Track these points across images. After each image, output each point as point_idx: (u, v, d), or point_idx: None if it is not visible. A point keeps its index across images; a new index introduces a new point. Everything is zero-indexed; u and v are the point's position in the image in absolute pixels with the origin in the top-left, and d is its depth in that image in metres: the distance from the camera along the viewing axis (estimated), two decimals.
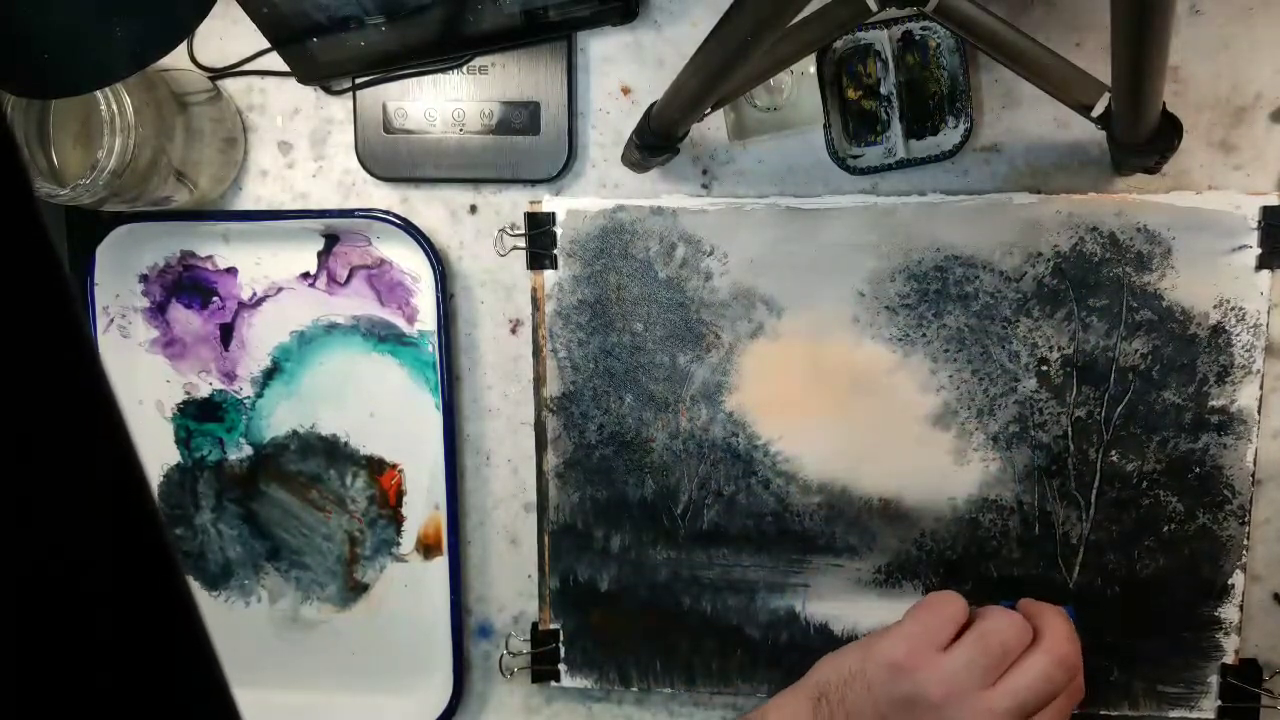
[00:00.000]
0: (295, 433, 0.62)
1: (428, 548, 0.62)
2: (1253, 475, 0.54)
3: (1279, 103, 0.53)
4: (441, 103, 0.58)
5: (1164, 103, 0.44)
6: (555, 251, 0.58)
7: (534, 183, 0.58)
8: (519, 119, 0.58)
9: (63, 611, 0.21)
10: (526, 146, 0.58)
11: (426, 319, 0.60)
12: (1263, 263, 0.53)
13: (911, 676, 0.48)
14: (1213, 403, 0.54)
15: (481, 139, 0.58)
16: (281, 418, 0.62)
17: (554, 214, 0.57)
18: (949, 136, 0.55)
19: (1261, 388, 0.53)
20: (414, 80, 0.58)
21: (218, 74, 0.60)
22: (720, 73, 0.42)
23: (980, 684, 0.47)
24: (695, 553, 0.58)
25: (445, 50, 0.57)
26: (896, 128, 0.55)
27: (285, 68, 0.58)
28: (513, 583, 0.61)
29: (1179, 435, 0.54)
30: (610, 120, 0.58)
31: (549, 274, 0.58)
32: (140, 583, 0.23)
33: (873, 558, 0.57)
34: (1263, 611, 0.55)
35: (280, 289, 0.62)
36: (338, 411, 0.62)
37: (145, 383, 0.63)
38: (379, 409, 0.61)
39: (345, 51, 0.56)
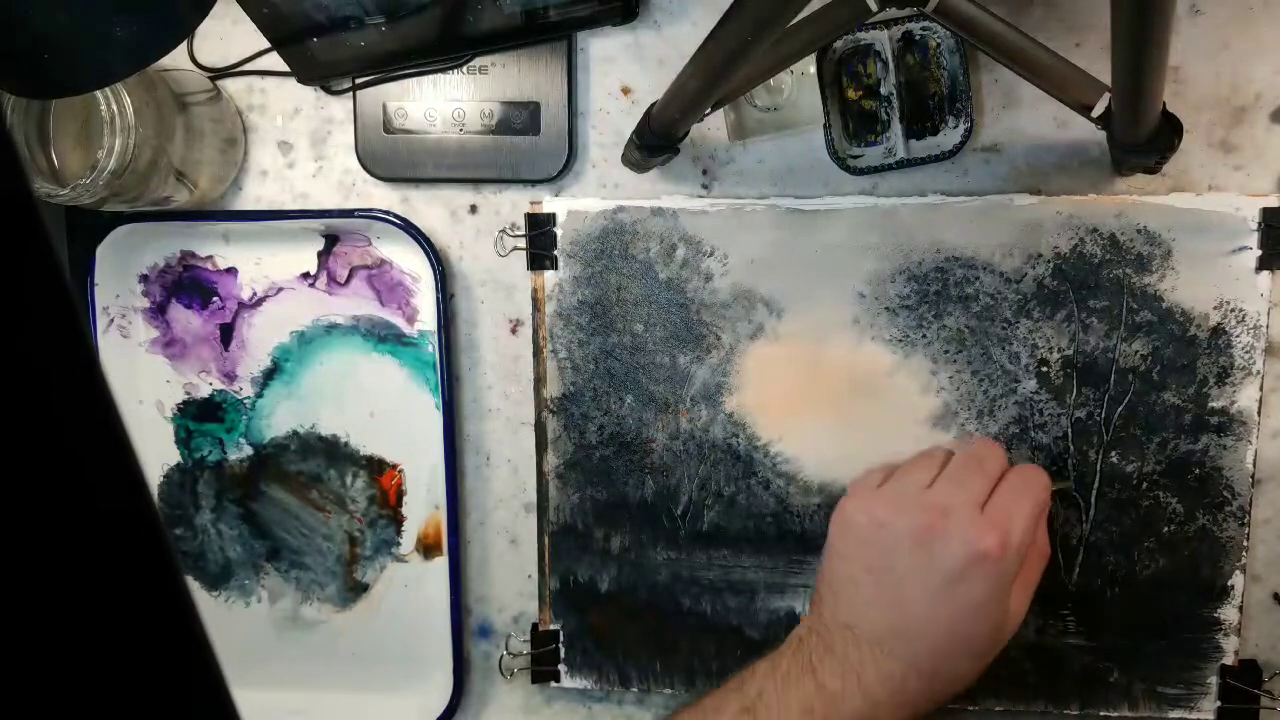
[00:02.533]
0: (295, 433, 0.62)
1: (428, 548, 0.62)
2: (1252, 476, 0.54)
3: (1279, 103, 0.53)
4: (441, 103, 0.58)
5: (1164, 103, 0.44)
6: (555, 252, 0.58)
7: (534, 183, 0.58)
8: (519, 119, 0.58)
9: (63, 612, 0.21)
10: (526, 146, 0.58)
11: (426, 319, 0.60)
12: (1263, 264, 0.53)
13: (846, 516, 0.51)
14: (1213, 404, 0.54)
15: (481, 139, 0.58)
16: (281, 418, 0.62)
17: (554, 214, 0.57)
18: (949, 136, 0.55)
19: (1261, 389, 0.53)
20: (414, 80, 0.58)
21: (218, 74, 0.60)
22: (720, 73, 0.42)
23: (914, 487, 0.50)
24: (695, 553, 0.58)
25: (445, 50, 0.57)
26: (896, 128, 0.55)
27: (285, 68, 0.58)
28: (513, 583, 0.61)
29: (1179, 436, 0.54)
30: (610, 120, 0.58)
31: (549, 274, 0.58)
32: (140, 583, 0.23)
33: None
34: (1263, 612, 0.55)
35: (280, 289, 0.62)
36: (338, 411, 0.62)
37: (145, 383, 0.63)
38: (379, 409, 0.61)
39: (345, 51, 0.56)
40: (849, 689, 0.48)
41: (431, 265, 0.58)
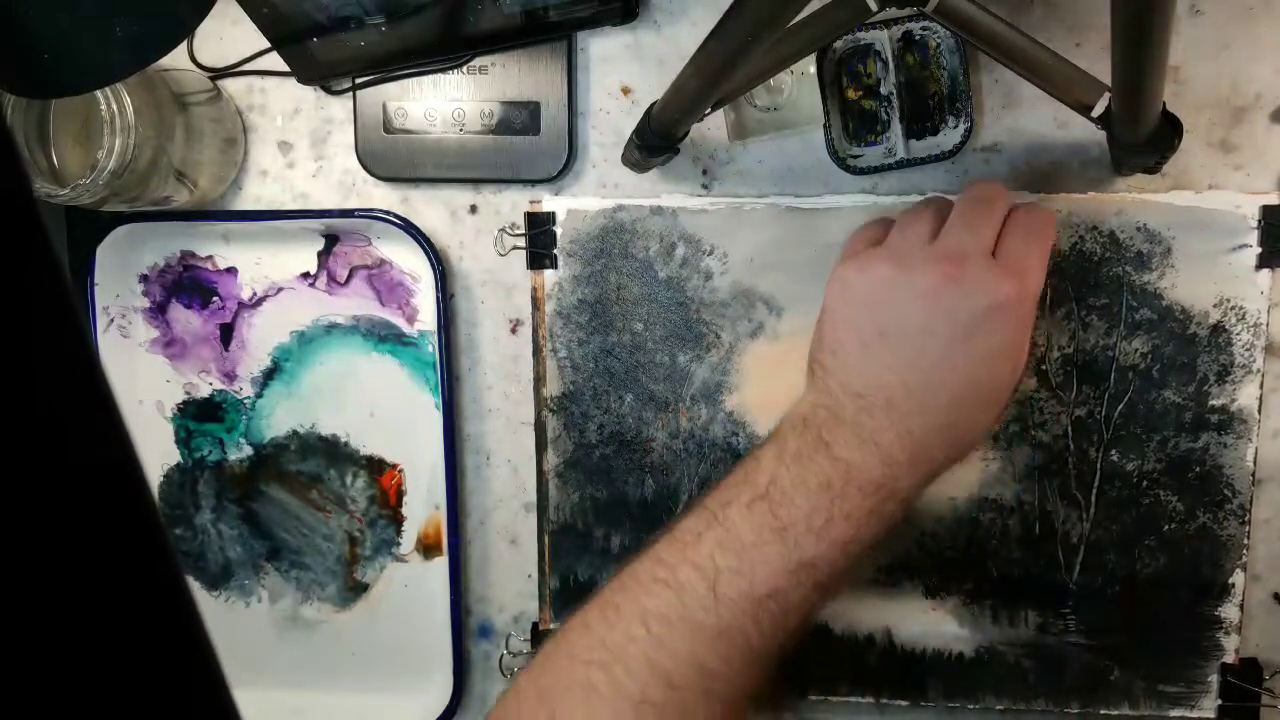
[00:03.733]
0: (295, 433, 0.62)
1: (428, 548, 0.62)
2: (1253, 474, 0.54)
3: (1279, 103, 0.53)
4: (441, 103, 0.58)
5: (1164, 103, 0.44)
6: (555, 251, 0.58)
7: (534, 183, 0.58)
8: (519, 119, 0.58)
9: (64, 612, 0.21)
10: (526, 146, 0.58)
11: (426, 319, 0.60)
12: (1263, 262, 0.53)
13: (846, 278, 0.48)
14: (1213, 402, 0.54)
15: (481, 139, 0.58)
16: (281, 418, 0.62)
17: (554, 214, 0.57)
18: (949, 136, 0.55)
19: (1261, 387, 0.53)
20: (414, 80, 0.58)
21: (218, 74, 0.60)
22: (720, 73, 0.42)
23: (919, 239, 0.47)
24: None
25: (445, 50, 0.57)
26: (896, 128, 0.55)
27: (285, 68, 0.58)
28: (513, 583, 0.61)
29: (1179, 434, 0.54)
30: (610, 120, 0.58)
31: (549, 274, 0.58)
32: (140, 583, 0.23)
33: (872, 557, 0.57)
34: (1263, 611, 0.55)
35: (280, 289, 0.62)
36: (338, 411, 0.62)
37: (145, 383, 0.63)
38: (379, 409, 0.61)
39: (345, 51, 0.56)
40: (867, 457, 0.45)
41: (431, 265, 0.58)
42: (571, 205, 0.57)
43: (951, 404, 0.45)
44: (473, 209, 0.60)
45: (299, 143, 0.61)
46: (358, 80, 0.58)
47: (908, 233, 0.48)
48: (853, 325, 0.47)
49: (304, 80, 0.59)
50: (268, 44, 0.56)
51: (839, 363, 0.47)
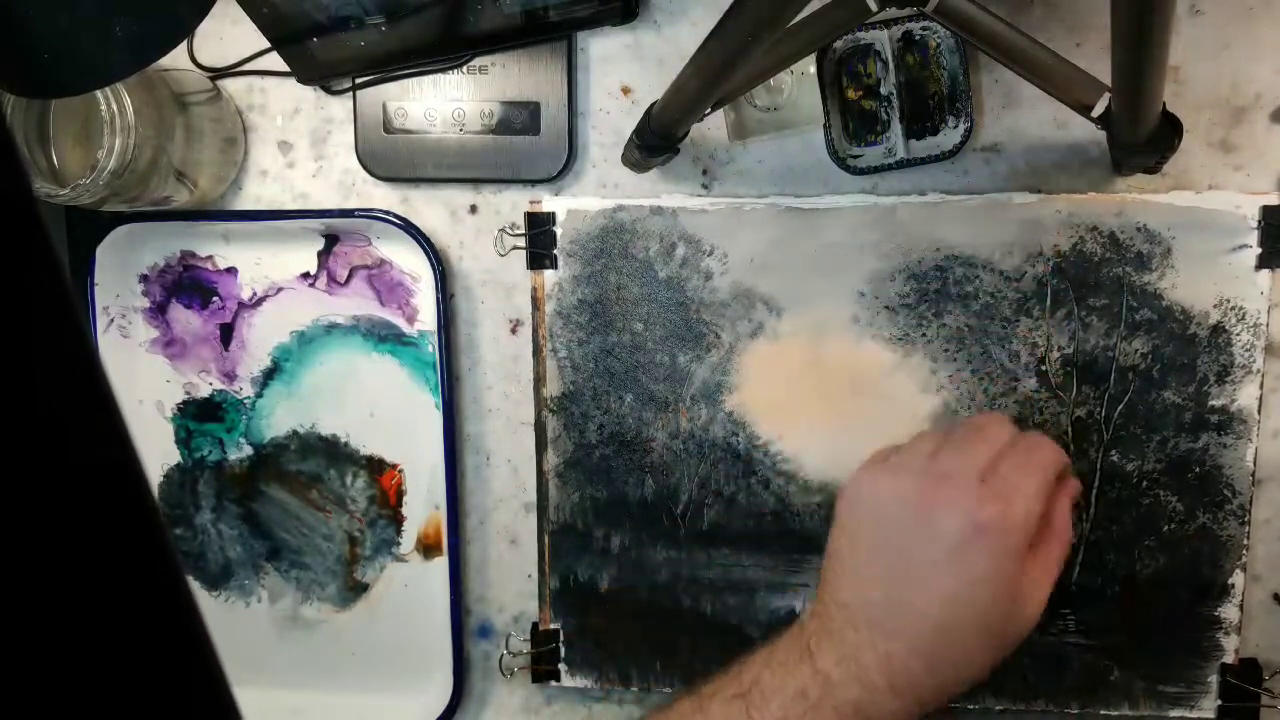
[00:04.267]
0: (295, 433, 0.62)
1: (428, 548, 0.62)
2: (1253, 475, 0.54)
3: (1279, 103, 0.53)
4: (441, 103, 0.58)
5: (1164, 103, 0.44)
6: (555, 251, 0.58)
7: (534, 183, 0.58)
8: (519, 119, 0.58)
9: (64, 612, 0.21)
10: (526, 146, 0.58)
11: (426, 319, 0.60)
12: (1263, 262, 0.53)
13: (850, 490, 0.49)
14: (1213, 402, 0.54)
15: (481, 139, 0.58)
16: (281, 418, 0.62)
17: (554, 214, 0.57)
18: (949, 136, 0.55)
19: (1261, 387, 0.53)
20: (414, 80, 0.58)
21: (218, 74, 0.60)
22: (720, 73, 0.42)
23: (918, 459, 0.47)
24: (695, 552, 0.58)
25: (445, 50, 0.57)
26: (896, 128, 0.55)
27: (285, 68, 0.58)
28: (513, 583, 0.61)
29: (1179, 435, 0.54)
30: (610, 120, 0.58)
31: (549, 274, 0.58)
32: (140, 583, 0.23)
33: None
34: (1263, 611, 0.55)
35: (280, 289, 0.62)
36: (338, 411, 0.62)
37: (145, 383, 0.63)
38: (379, 409, 0.61)
39: (345, 51, 0.56)
40: (845, 674, 0.45)
41: (431, 265, 0.58)
42: (571, 205, 0.57)
43: (934, 630, 0.45)
44: (473, 209, 0.60)
45: (299, 143, 0.61)
46: (358, 80, 0.58)
47: (910, 451, 0.49)
48: (850, 536, 0.48)
49: (304, 80, 0.59)
50: (268, 44, 0.56)
51: (833, 572, 0.48)
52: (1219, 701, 0.55)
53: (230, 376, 0.63)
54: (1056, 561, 0.47)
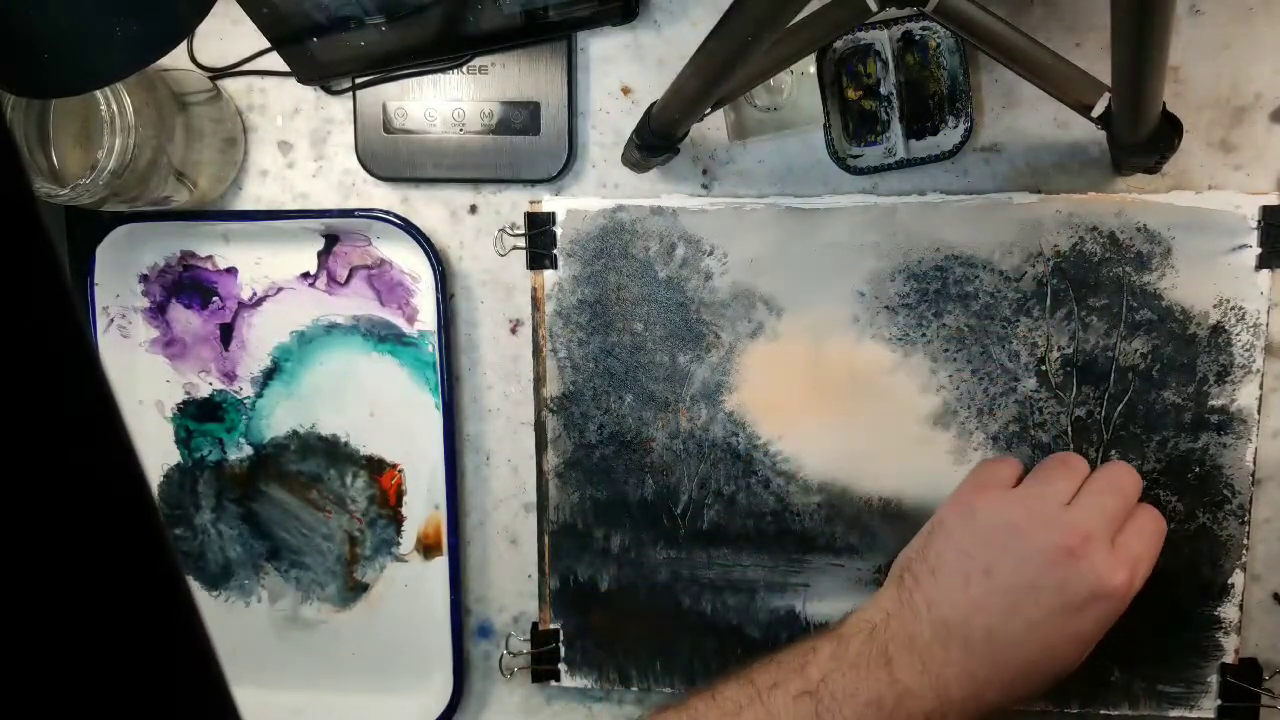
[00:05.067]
0: (295, 433, 0.62)
1: (428, 548, 0.62)
2: (1252, 475, 0.54)
3: (1279, 103, 0.53)
4: (441, 103, 0.58)
5: (1164, 103, 0.44)
6: (555, 251, 0.58)
7: (534, 183, 0.58)
8: (519, 119, 0.58)
9: (63, 611, 0.21)
10: (526, 146, 0.58)
11: (426, 319, 0.60)
12: (1263, 262, 0.53)
13: (975, 510, 0.49)
14: (1212, 402, 0.54)
15: (481, 139, 0.58)
16: (281, 418, 0.62)
17: (554, 214, 0.57)
18: (949, 136, 0.55)
19: (1261, 387, 0.53)
20: (414, 80, 0.58)
21: (218, 74, 0.60)
22: (720, 73, 0.42)
23: (1055, 500, 0.48)
24: (695, 552, 0.58)
25: (445, 50, 0.57)
26: (896, 128, 0.55)
27: (285, 68, 0.58)
28: (513, 583, 0.62)
29: (1179, 435, 0.54)
30: (610, 120, 0.58)
31: (549, 274, 0.58)
32: (140, 583, 0.23)
33: (873, 557, 0.57)
34: (1263, 611, 0.55)
35: (280, 289, 0.62)
36: (338, 411, 0.62)
37: (145, 383, 0.63)
38: (379, 409, 0.61)
39: (345, 51, 0.56)
40: (925, 686, 0.46)
41: (431, 265, 0.58)
42: (571, 205, 0.57)
43: (1024, 667, 0.46)
44: (473, 209, 0.60)
45: (299, 143, 0.61)
46: (358, 80, 0.58)
47: (1045, 489, 0.49)
48: (964, 553, 0.48)
49: (304, 80, 0.59)
50: (268, 44, 0.56)
51: (935, 582, 0.48)
52: (1219, 701, 0.55)
53: (230, 376, 0.63)
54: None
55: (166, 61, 0.48)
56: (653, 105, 0.50)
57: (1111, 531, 0.48)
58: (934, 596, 0.48)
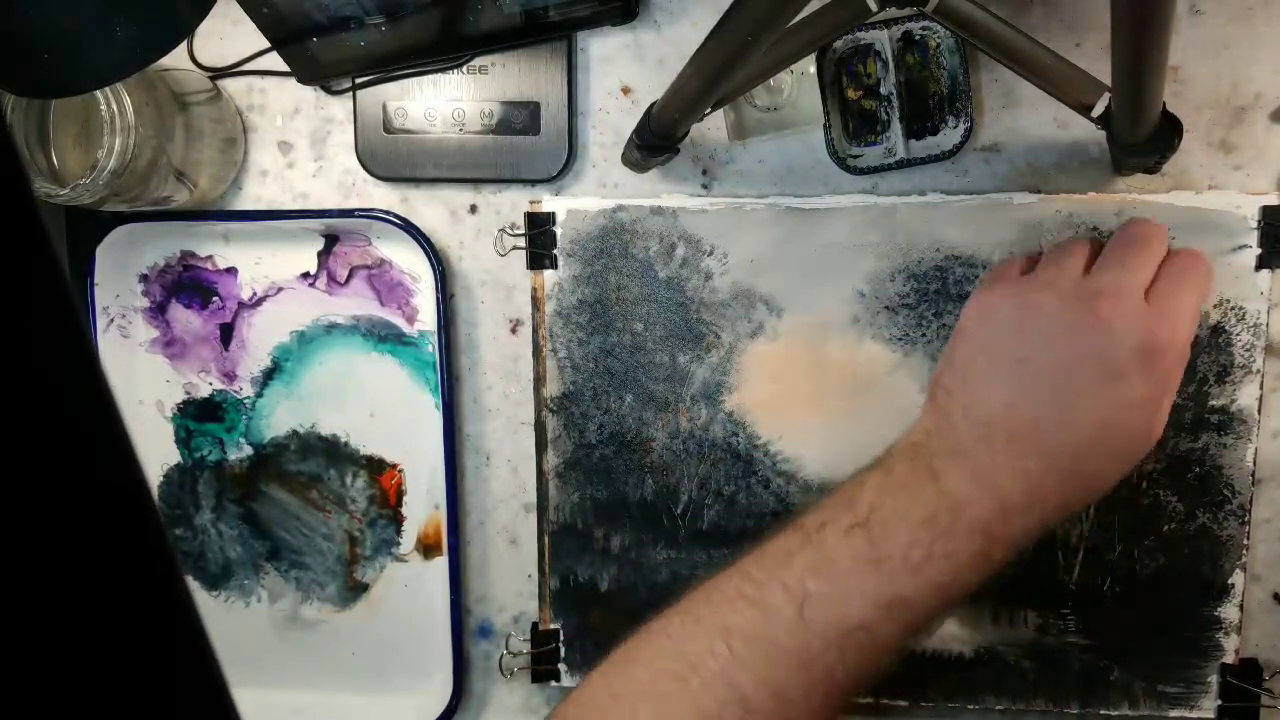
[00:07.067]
0: (295, 433, 0.62)
1: (428, 548, 0.62)
2: (1253, 475, 0.54)
3: (1279, 103, 0.53)
4: (441, 103, 0.58)
5: (1164, 103, 0.44)
6: (555, 251, 0.58)
7: (534, 183, 0.58)
8: (519, 119, 0.58)
9: (63, 611, 0.21)
10: (526, 146, 0.58)
11: (426, 319, 0.60)
12: (1262, 262, 0.53)
13: (988, 302, 0.47)
14: (1213, 402, 0.54)
15: (481, 139, 0.58)
16: (281, 418, 0.62)
17: (554, 214, 0.57)
18: (949, 136, 0.55)
19: (1261, 387, 0.53)
20: (414, 80, 0.58)
21: (218, 74, 0.60)
22: (720, 73, 0.42)
23: (1071, 273, 0.46)
24: (695, 553, 0.58)
25: (445, 50, 0.57)
26: (896, 128, 0.55)
27: (285, 68, 0.58)
28: (513, 583, 0.62)
29: (1179, 435, 0.54)
30: (610, 120, 0.58)
31: (549, 274, 0.58)
32: (140, 583, 0.23)
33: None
34: (1263, 611, 0.55)
35: (280, 289, 0.62)
36: (338, 411, 0.62)
37: (145, 383, 0.63)
38: (379, 409, 0.61)
39: (345, 51, 0.56)
40: (979, 494, 0.43)
41: (431, 265, 0.58)
42: (571, 205, 0.57)
43: (1077, 449, 0.43)
44: (473, 209, 0.60)
45: (299, 143, 0.61)
46: (358, 80, 0.58)
47: (1062, 265, 0.46)
48: (990, 350, 0.45)
49: (304, 80, 0.59)
50: (268, 44, 0.56)
51: (967, 387, 0.45)
52: (1219, 701, 0.55)
53: (230, 376, 0.63)
54: (1179, 378, 0.45)
55: (166, 61, 0.48)
56: (653, 105, 0.50)
57: (1141, 284, 0.44)
58: (968, 401, 0.45)
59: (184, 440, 0.63)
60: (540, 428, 0.59)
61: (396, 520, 0.62)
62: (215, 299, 0.62)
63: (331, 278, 0.61)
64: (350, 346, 0.61)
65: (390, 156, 0.59)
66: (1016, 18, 0.51)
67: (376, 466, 0.62)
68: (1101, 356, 0.43)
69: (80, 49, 0.43)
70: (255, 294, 0.62)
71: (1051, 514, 0.44)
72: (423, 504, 0.62)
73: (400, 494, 0.62)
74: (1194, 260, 0.46)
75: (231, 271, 0.62)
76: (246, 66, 0.60)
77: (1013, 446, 0.43)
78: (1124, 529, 0.55)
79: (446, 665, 0.60)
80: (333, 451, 0.62)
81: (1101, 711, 0.56)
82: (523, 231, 0.58)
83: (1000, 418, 0.44)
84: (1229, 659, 0.55)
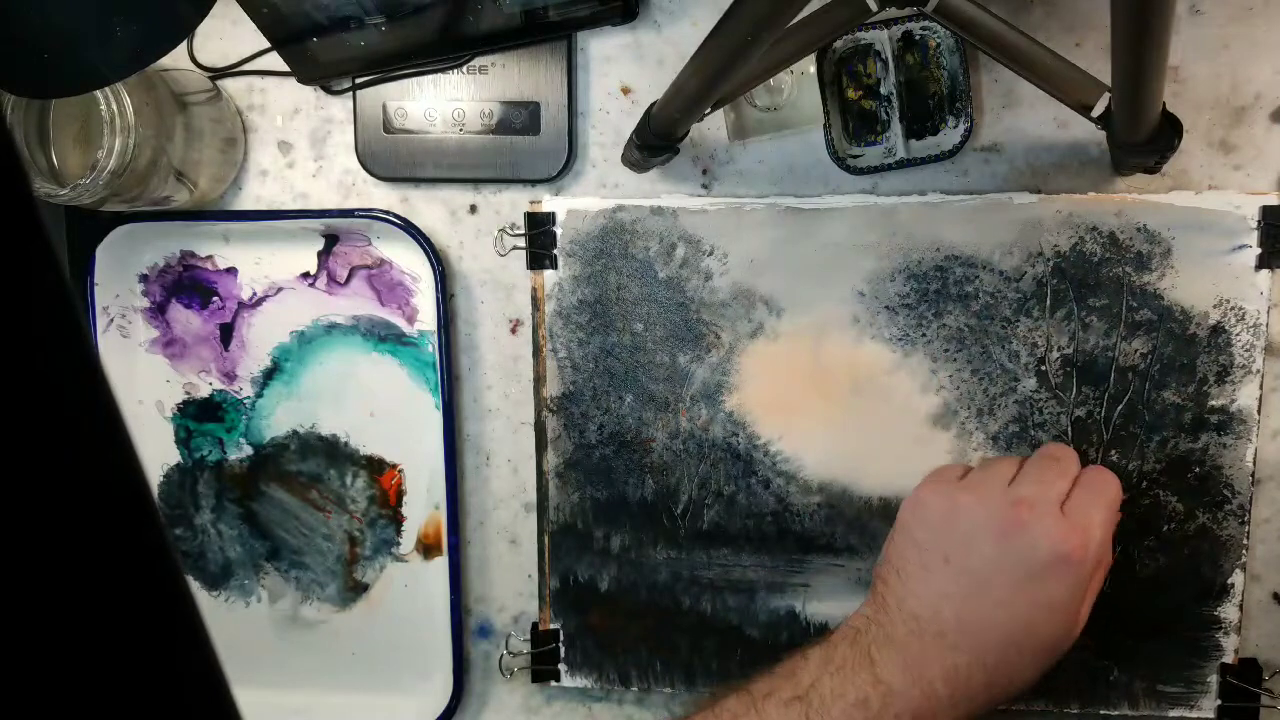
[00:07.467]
0: (295, 433, 0.62)
1: (428, 548, 0.62)
2: (1252, 475, 0.54)
3: (1279, 103, 0.53)
4: (441, 103, 0.58)
5: (1164, 103, 0.44)
6: (555, 251, 0.58)
7: (534, 183, 0.58)
8: (519, 119, 0.58)
9: (63, 611, 0.21)
10: (526, 146, 0.58)
11: (426, 319, 0.60)
12: (1262, 262, 0.53)
13: (924, 501, 0.50)
14: (1212, 402, 0.54)
15: (481, 139, 0.58)
16: (281, 418, 0.62)
17: (554, 214, 0.57)
18: (949, 136, 0.55)
19: (1261, 387, 0.53)
20: (414, 80, 0.58)
21: (218, 74, 0.60)
22: (720, 73, 0.42)
23: (998, 481, 0.50)
24: (695, 553, 0.58)
25: (445, 50, 0.57)
26: (896, 128, 0.55)
27: (285, 68, 0.58)
28: (513, 583, 0.62)
29: (1179, 435, 0.54)
30: (610, 120, 0.58)
31: (549, 274, 0.58)
32: (140, 583, 0.23)
33: (872, 558, 0.57)
34: (1263, 611, 0.55)
35: (280, 289, 0.62)
36: (338, 411, 0.62)
37: (145, 383, 0.63)
38: (379, 409, 0.61)
39: (345, 51, 0.56)
40: (908, 683, 0.46)
41: (431, 265, 0.58)
42: (571, 205, 0.57)
43: (1000, 646, 0.47)
44: (473, 209, 0.60)
45: (299, 143, 0.61)
46: (358, 80, 0.58)
47: (987, 473, 0.50)
48: (920, 546, 0.49)
49: (304, 80, 0.59)
50: (268, 44, 0.56)
51: (900, 581, 0.49)
52: (1219, 701, 0.55)
53: (230, 376, 0.63)
54: (1100, 581, 0.50)
55: (166, 61, 0.48)
56: (653, 105, 0.50)
57: (1056, 497, 0.48)
58: (901, 594, 0.49)
59: (184, 440, 0.63)
60: (540, 428, 0.59)
61: (396, 520, 0.62)
62: (215, 299, 0.62)
63: (331, 278, 0.61)
64: (350, 346, 0.61)
65: (390, 156, 0.59)
66: (1016, 18, 0.51)
67: (376, 466, 0.62)
68: (1021, 558, 0.47)
69: (80, 49, 0.43)
70: (255, 294, 0.62)
71: (977, 708, 0.47)
72: (423, 504, 0.62)
73: (400, 494, 0.62)
74: (1104, 477, 0.51)
75: (231, 271, 0.62)
76: (246, 66, 0.60)
77: (940, 642, 0.47)
78: (1124, 529, 0.55)
79: (446, 665, 0.60)
80: (333, 451, 0.62)
81: (1101, 711, 0.56)
82: (523, 231, 0.58)
83: (928, 613, 0.48)
84: (1229, 659, 0.55)
